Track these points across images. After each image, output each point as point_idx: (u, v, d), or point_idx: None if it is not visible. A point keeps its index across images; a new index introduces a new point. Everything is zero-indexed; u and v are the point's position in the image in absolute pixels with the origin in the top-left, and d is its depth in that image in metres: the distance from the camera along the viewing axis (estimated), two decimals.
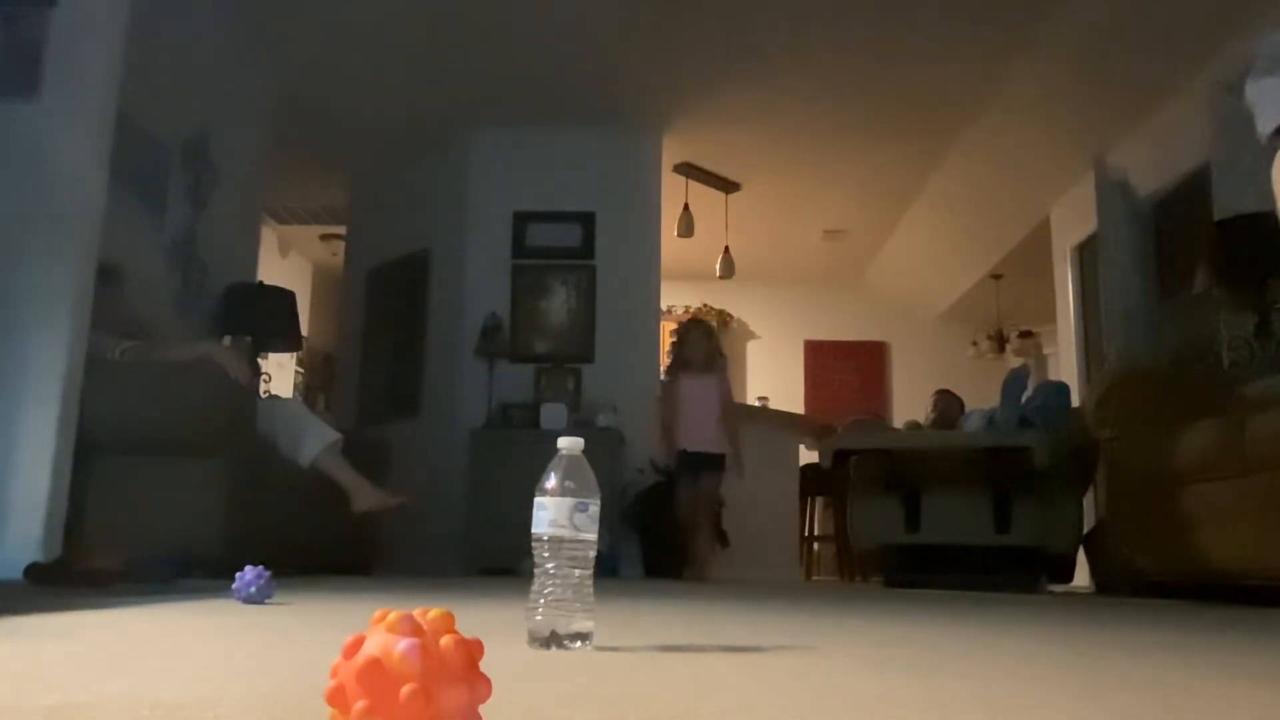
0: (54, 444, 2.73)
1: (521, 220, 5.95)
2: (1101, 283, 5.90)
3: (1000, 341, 8.96)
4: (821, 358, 9.17)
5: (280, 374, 7.47)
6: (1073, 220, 6.45)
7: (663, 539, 5.07)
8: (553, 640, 1.10)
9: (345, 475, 3.64)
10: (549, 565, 1.11)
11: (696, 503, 4.90)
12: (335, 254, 7.68)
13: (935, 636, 1.59)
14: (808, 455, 6.26)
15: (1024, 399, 4.50)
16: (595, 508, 1.12)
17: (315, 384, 8.45)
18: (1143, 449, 3.57)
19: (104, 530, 2.85)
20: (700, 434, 4.90)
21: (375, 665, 0.55)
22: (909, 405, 7.76)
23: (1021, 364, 6.75)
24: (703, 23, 4.87)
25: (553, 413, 5.29)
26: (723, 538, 5.25)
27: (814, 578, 6.42)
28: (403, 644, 0.55)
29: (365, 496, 3.65)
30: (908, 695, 0.85)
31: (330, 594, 2.34)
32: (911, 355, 9.10)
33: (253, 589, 1.83)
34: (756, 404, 7.74)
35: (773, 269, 8.51)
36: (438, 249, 6.13)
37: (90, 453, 2.90)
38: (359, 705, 0.54)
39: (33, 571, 2.39)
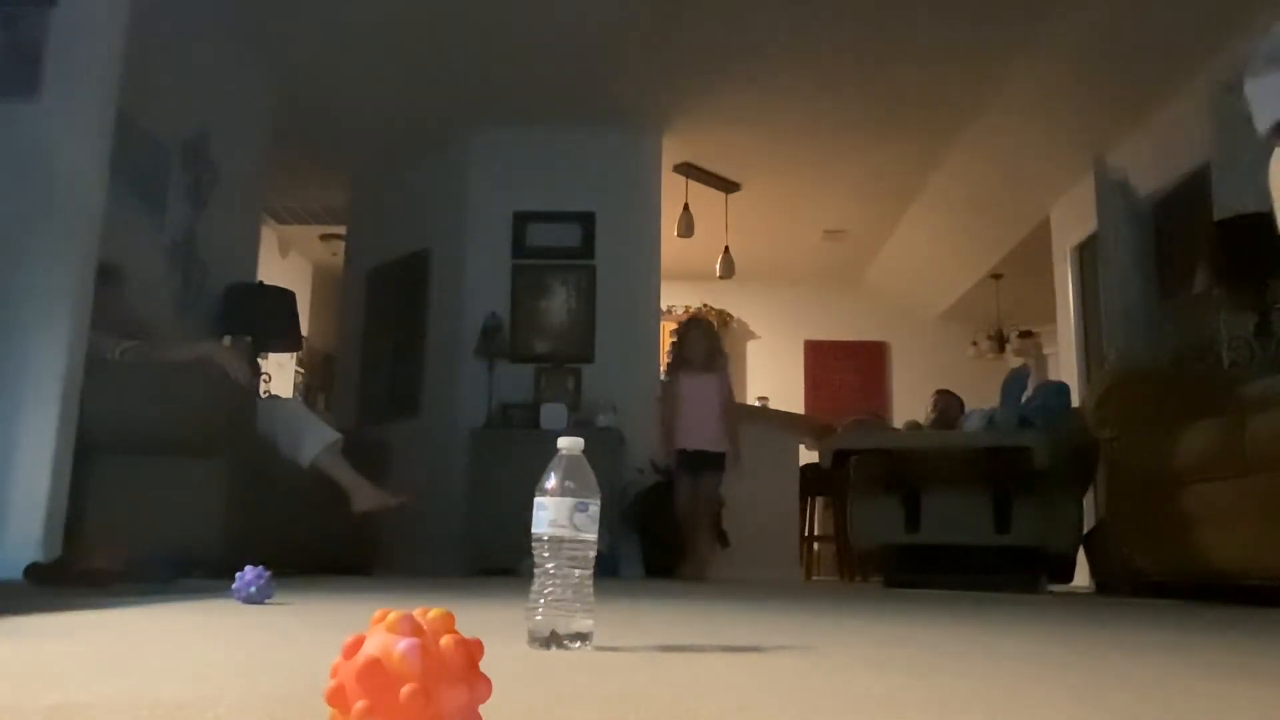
0: (54, 444, 2.73)
1: (521, 220, 5.95)
2: (1101, 283, 5.90)
3: (1000, 341, 8.96)
4: (821, 358, 9.17)
5: (280, 374, 7.47)
6: (1073, 220, 6.45)
7: (663, 539, 5.07)
8: (553, 640, 1.10)
9: (345, 475, 3.64)
10: (549, 565, 1.11)
11: (696, 502, 4.90)
12: (335, 254, 7.68)
13: (935, 636, 1.59)
14: (808, 455, 6.26)
15: (1024, 399, 4.50)
16: (595, 508, 1.12)
17: (315, 384, 8.45)
18: (1143, 449, 3.57)
19: (104, 530, 2.85)
20: (700, 433, 4.90)
21: (375, 665, 0.55)
22: (909, 405, 7.76)
23: (1021, 364, 6.75)
24: (703, 23, 4.87)
25: (553, 413, 5.29)
26: (723, 538, 5.25)
27: (814, 578, 6.42)
28: (403, 644, 0.55)
29: (365, 496, 3.65)
30: (908, 695, 0.85)
31: (330, 594, 2.34)
32: (911, 355, 9.10)
33: (253, 589, 1.83)
34: (756, 404, 7.74)
35: (773, 269, 8.51)
36: (438, 249, 6.13)
37: (90, 453, 2.90)
38: (359, 705, 0.54)
39: (33, 571, 2.39)
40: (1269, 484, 2.89)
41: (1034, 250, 7.05)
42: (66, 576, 2.29)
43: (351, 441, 3.85)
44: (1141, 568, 3.65)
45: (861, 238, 7.85)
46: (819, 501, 6.46)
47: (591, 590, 1.13)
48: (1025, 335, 8.93)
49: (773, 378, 8.94)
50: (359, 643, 0.56)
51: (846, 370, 9.12)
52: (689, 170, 6.53)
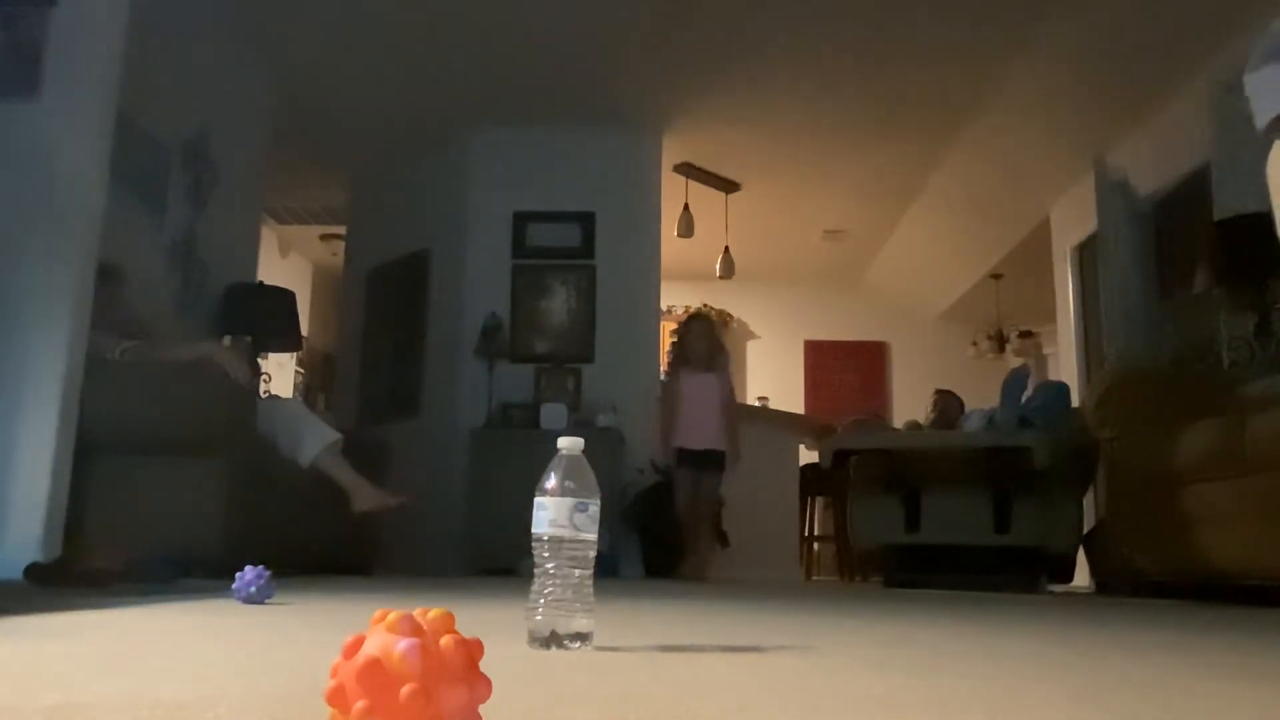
0: (54, 444, 2.73)
1: (521, 220, 5.95)
2: (1101, 283, 5.90)
3: (1000, 341, 8.96)
4: (821, 358, 9.17)
5: (280, 374, 7.47)
6: (1073, 220, 6.45)
7: (663, 539, 5.06)
8: (553, 640, 1.10)
9: (345, 475, 3.64)
10: (549, 565, 1.11)
11: (696, 502, 4.90)
12: (335, 254, 7.68)
13: (935, 636, 1.59)
14: (808, 455, 6.26)
15: (1024, 399, 4.50)
16: (595, 508, 1.12)
17: (315, 384, 8.45)
18: (1143, 449, 3.57)
19: (104, 530, 2.85)
20: (701, 432, 4.90)
21: (375, 665, 0.55)
22: (909, 405, 7.76)
23: (1021, 364, 6.76)
24: (703, 23, 4.87)
25: (553, 413, 5.29)
26: (723, 538, 5.25)
27: (814, 578, 6.42)
28: (403, 644, 0.55)
29: (365, 496, 3.65)
30: (908, 695, 0.85)
31: (330, 594, 2.34)
32: (911, 355, 9.10)
33: (253, 589, 1.83)
34: (756, 404, 7.74)
35: (773, 269, 8.51)
36: (438, 249, 6.13)
37: (90, 453, 2.90)
38: (359, 705, 0.54)
39: (33, 571, 2.39)
40: (1269, 484, 2.89)
41: (1034, 250, 7.05)
42: (66, 576, 2.29)
43: (351, 441, 3.85)
44: (1141, 568, 3.65)
45: (861, 238, 7.85)
46: (819, 501, 6.46)
47: (591, 590, 1.13)
48: (1025, 335, 8.94)
49: (773, 378, 8.94)
50: (359, 643, 0.56)
51: (846, 370, 9.12)
52: (689, 170, 6.53)
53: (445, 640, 0.57)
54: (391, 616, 0.57)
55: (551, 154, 6.03)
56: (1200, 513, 3.24)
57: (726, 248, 7.06)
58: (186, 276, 4.50)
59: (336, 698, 0.55)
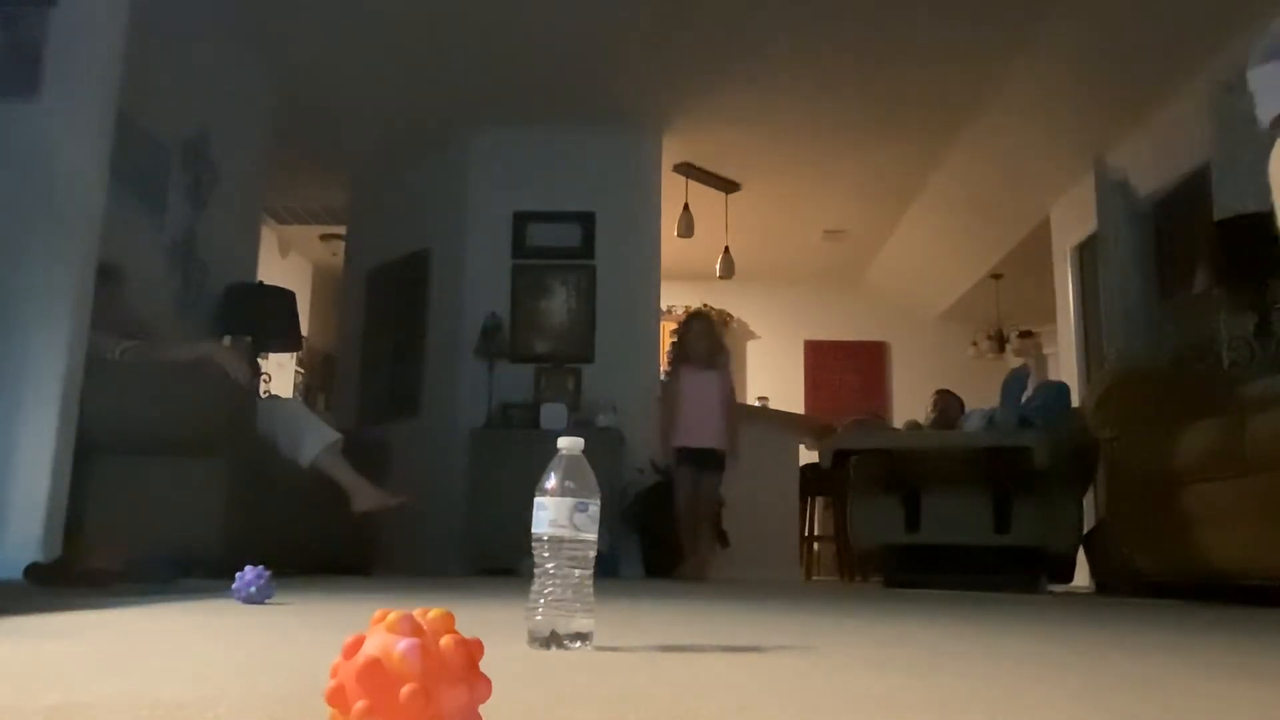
0: (54, 444, 2.73)
1: (521, 220, 5.95)
2: (1101, 283, 5.90)
3: (1000, 341, 8.96)
4: (821, 358, 9.17)
5: (280, 374, 7.47)
6: (1073, 220, 6.45)
7: (663, 539, 5.06)
8: (553, 640, 1.10)
9: (345, 475, 3.64)
10: (549, 565, 1.11)
11: (697, 502, 4.89)
12: (335, 254, 7.68)
13: (935, 636, 1.59)
14: (808, 455, 6.26)
15: (1024, 399, 4.50)
16: (595, 508, 1.12)
17: (315, 384, 8.45)
18: (1143, 449, 3.57)
19: (104, 530, 2.85)
20: (702, 430, 4.89)
21: (375, 665, 0.55)
22: (909, 405, 7.76)
23: (1021, 364, 6.76)
24: (703, 23, 4.87)
25: (553, 413, 5.29)
26: (723, 538, 5.24)
27: (814, 578, 6.42)
28: (403, 644, 0.55)
29: (365, 496, 3.65)
30: (908, 695, 0.85)
31: (330, 594, 2.34)
32: (911, 355, 9.10)
33: (253, 589, 1.83)
34: (756, 404, 7.74)
35: (773, 269, 8.51)
36: (438, 249, 6.13)
37: (90, 453, 2.90)
38: (359, 705, 0.54)
39: (33, 571, 2.39)
40: (1269, 484, 2.89)
41: (1034, 250, 7.05)
42: (66, 576, 2.29)
43: (351, 441, 3.85)
44: (1141, 568, 3.65)
45: (861, 238, 7.85)
46: (819, 501, 6.46)
47: (591, 590, 1.13)
48: (1025, 335, 8.94)
49: (773, 378, 8.94)
50: (359, 643, 0.56)
51: (846, 370, 9.12)
52: (689, 170, 6.53)
53: (445, 640, 0.57)
54: (391, 616, 0.57)
55: (551, 154, 6.03)
56: (1200, 513, 3.24)
57: (726, 248, 7.06)
58: (186, 276, 4.50)
59: (336, 698, 0.55)
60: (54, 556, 2.61)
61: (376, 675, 0.54)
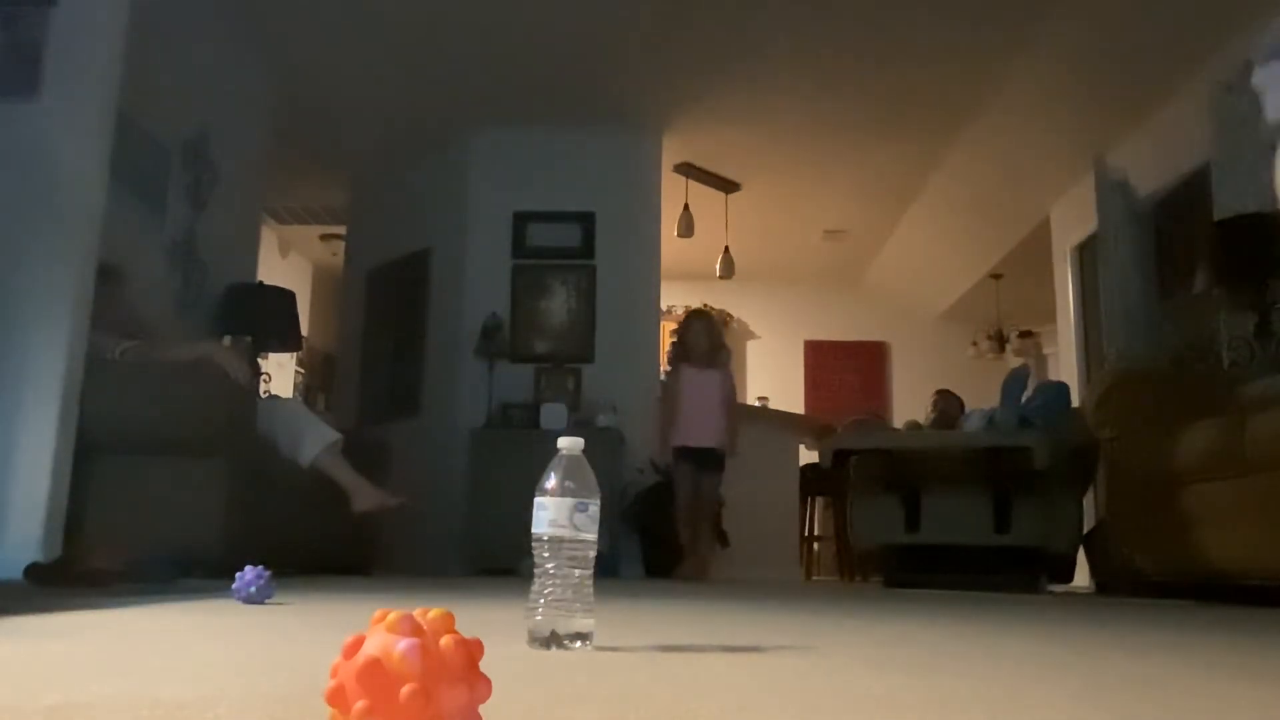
0: (54, 444, 2.73)
1: (521, 220, 5.95)
2: (1101, 283, 5.90)
3: (1000, 341, 8.96)
4: (821, 358, 9.17)
5: (280, 374, 7.46)
6: (1073, 220, 6.45)
7: (663, 539, 5.06)
8: (553, 640, 1.10)
9: (345, 475, 3.64)
10: (549, 565, 1.11)
11: (697, 501, 4.89)
12: (335, 254, 7.68)
13: (935, 636, 1.59)
14: (808, 455, 6.26)
15: (1024, 399, 4.50)
16: (595, 508, 1.12)
17: (315, 384, 8.45)
18: (1143, 449, 3.57)
19: (104, 530, 2.85)
20: (702, 430, 4.89)
21: (375, 665, 0.55)
22: (909, 405, 7.76)
23: (1021, 364, 6.75)
24: (703, 23, 4.87)
25: (553, 413, 5.29)
26: (723, 538, 5.24)
27: (814, 578, 6.42)
28: (403, 644, 0.55)
29: (365, 496, 3.65)
30: (908, 695, 0.85)
31: (330, 594, 2.34)
32: (911, 355, 9.10)
33: (253, 589, 1.83)
34: (756, 404, 7.74)
35: (773, 269, 8.51)
36: (438, 249, 6.13)
37: (90, 453, 2.90)
38: (359, 705, 0.54)
39: (33, 571, 2.39)
40: (1269, 484, 2.89)
41: (1034, 250, 7.05)
42: (66, 576, 2.29)
43: (351, 441, 3.85)
44: (1141, 568, 3.65)
45: (861, 238, 7.85)
46: (819, 501, 6.46)
47: (591, 590, 1.13)
48: (1025, 335, 8.94)
49: (773, 378, 8.94)
50: (359, 643, 0.56)
51: (846, 370, 9.12)
52: (689, 170, 6.53)
53: (445, 640, 0.57)
54: (391, 616, 0.57)
55: (551, 154, 6.03)
56: (1200, 513, 3.24)
57: (726, 248, 7.06)
58: (186, 276, 4.50)
59: (336, 698, 0.55)
60: (54, 556, 2.61)
61: (376, 675, 0.54)
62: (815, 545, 6.63)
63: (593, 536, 1.12)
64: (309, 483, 3.58)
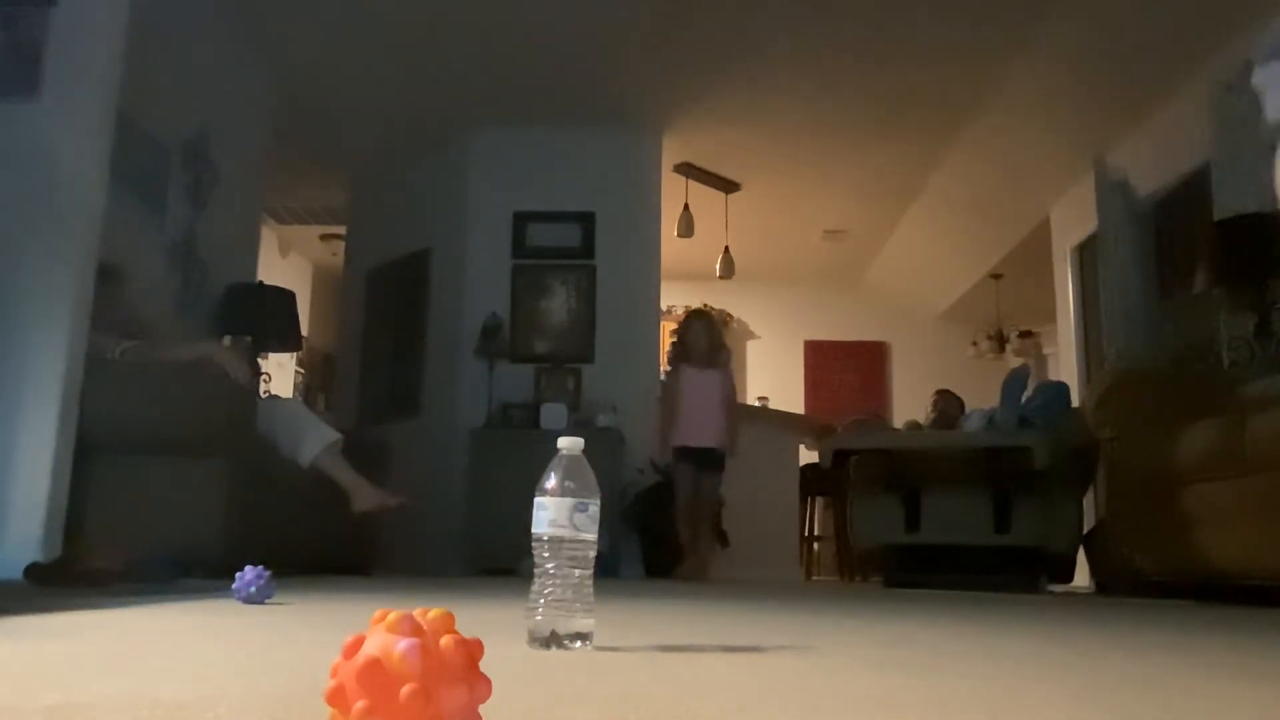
0: (54, 444, 2.73)
1: (521, 220, 5.95)
2: (1101, 283, 5.90)
3: (1000, 341, 8.96)
4: (821, 358, 9.17)
5: (280, 374, 7.46)
6: (1073, 220, 6.45)
7: (663, 539, 5.06)
8: (553, 640, 1.10)
9: (345, 475, 3.64)
10: (549, 565, 1.11)
11: (697, 501, 4.89)
12: (335, 254, 7.68)
13: (935, 636, 1.59)
14: (808, 455, 6.26)
15: (1024, 399, 4.50)
16: (595, 508, 1.12)
17: (315, 384, 8.45)
18: (1143, 449, 3.57)
19: (104, 530, 2.85)
20: (702, 429, 4.88)
21: (375, 665, 0.55)
22: (909, 405, 7.76)
23: (1021, 364, 6.75)
24: (703, 23, 4.87)
25: (553, 413, 5.29)
26: (723, 538, 5.24)
27: (814, 578, 6.42)
28: (403, 644, 0.55)
29: (365, 497, 3.65)
30: (908, 695, 0.85)
31: (330, 594, 2.34)
32: (911, 355, 9.10)
33: (253, 589, 1.83)
34: (756, 404, 7.74)
35: (773, 269, 8.51)
36: (438, 249, 6.13)
37: (90, 453, 2.90)
38: (359, 705, 0.54)
39: (33, 571, 2.39)
40: (1269, 484, 2.89)
41: (1034, 250, 7.05)
42: (66, 576, 2.29)
43: (351, 441, 3.85)
44: (1141, 568, 3.65)
45: (861, 238, 7.85)
46: (819, 501, 6.46)
47: (591, 590, 1.13)
48: (1025, 335, 8.94)
49: (773, 378, 8.94)
50: (359, 643, 0.56)
51: (846, 370, 9.12)
52: (689, 170, 6.53)
53: (445, 640, 0.57)
54: (391, 616, 0.57)
55: (551, 154, 6.03)
56: (1200, 513, 3.24)
57: (726, 248, 7.06)
58: (186, 276, 4.50)
59: (336, 698, 0.55)
60: (54, 556, 2.61)
61: (376, 675, 0.54)
62: (815, 545, 6.63)
63: (593, 536, 1.12)
64: (309, 483, 3.58)
